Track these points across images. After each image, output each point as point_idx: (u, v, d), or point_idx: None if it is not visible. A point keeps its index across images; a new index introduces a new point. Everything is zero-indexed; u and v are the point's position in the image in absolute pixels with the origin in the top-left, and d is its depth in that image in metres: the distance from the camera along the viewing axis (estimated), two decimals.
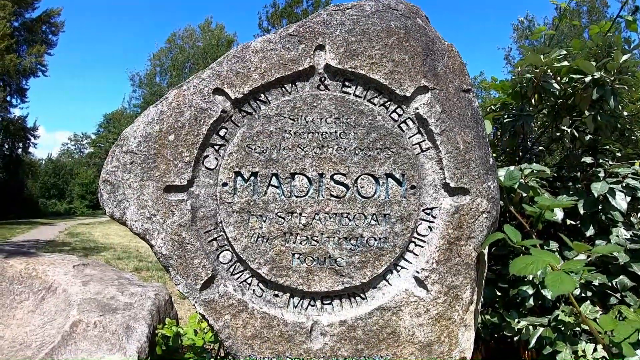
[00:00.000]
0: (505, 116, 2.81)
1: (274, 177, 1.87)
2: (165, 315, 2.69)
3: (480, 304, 2.11)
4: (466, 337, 1.96)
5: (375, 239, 1.90)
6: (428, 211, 1.92)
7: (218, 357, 2.57)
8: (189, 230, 1.86)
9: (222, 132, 1.90)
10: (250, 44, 1.98)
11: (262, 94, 1.92)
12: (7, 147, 31.32)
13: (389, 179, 1.90)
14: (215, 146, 1.90)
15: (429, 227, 1.92)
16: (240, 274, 1.90)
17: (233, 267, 1.90)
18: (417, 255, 1.92)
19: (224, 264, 1.89)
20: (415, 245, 1.92)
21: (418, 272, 1.90)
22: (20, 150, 32.20)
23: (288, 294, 1.91)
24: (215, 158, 1.90)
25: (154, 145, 1.89)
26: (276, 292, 1.91)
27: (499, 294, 2.60)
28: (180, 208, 1.86)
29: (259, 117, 1.89)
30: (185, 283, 1.87)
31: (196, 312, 3.13)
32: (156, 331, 2.51)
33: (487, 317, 2.54)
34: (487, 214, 1.93)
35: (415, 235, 1.92)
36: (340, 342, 1.92)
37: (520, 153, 2.88)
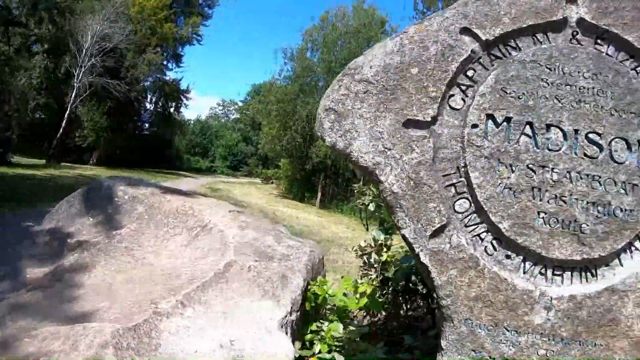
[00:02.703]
0: None
1: (528, 126, 1.72)
2: (316, 274, 2.51)
3: None
4: None
5: (622, 210, 1.73)
6: None
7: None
8: (429, 170, 1.69)
9: (469, 73, 1.76)
10: None
11: (512, 40, 1.79)
12: (160, 104, 34.05)
13: None
14: (462, 86, 1.75)
15: None
16: (475, 226, 1.72)
17: (468, 218, 1.72)
18: None
19: (459, 213, 1.72)
20: None
21: None
22: (172, 109, 34.93)
23: (521, 257, 1.73)
24: (462, 99, 1.75)
25: (393, 77, 1.75)
26: (508, 253, 1.73)
27: None
28: (421, 145, 1.70)
29: (514, 62, 1.75)
30: (414, 227, 1.69)
31: (371, 279, 2.90)
32: (309, 287, 2.33)
33: None
34: None
35: None
36: (563, 320, 1.73)
37: None
